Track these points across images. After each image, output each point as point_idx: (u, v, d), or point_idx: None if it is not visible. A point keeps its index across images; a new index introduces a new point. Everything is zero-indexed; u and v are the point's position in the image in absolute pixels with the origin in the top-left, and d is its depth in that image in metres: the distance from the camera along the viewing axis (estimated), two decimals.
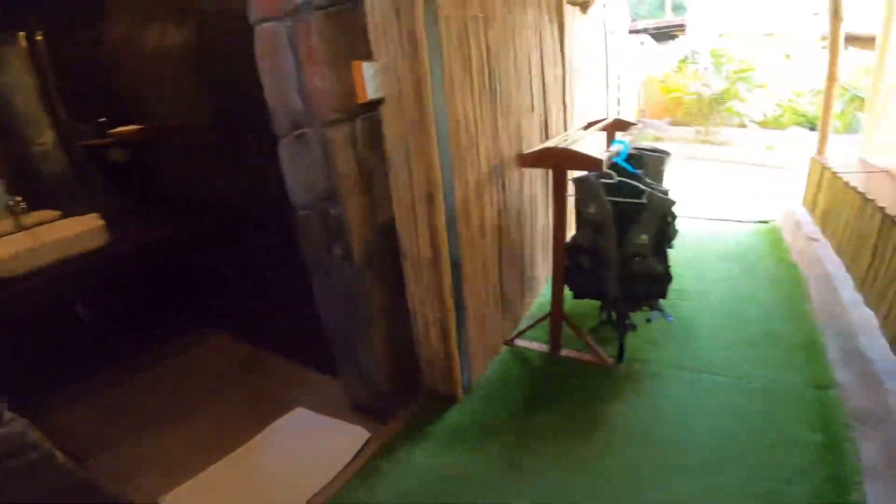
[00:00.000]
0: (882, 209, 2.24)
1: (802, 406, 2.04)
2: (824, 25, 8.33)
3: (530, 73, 2.54)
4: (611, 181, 2.23)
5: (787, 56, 7.85)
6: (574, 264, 2.34)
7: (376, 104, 1.76)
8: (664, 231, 2.28)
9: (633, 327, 2.64)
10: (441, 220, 1.81)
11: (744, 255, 3.56)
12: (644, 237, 2.22)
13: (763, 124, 7.39)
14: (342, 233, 1.75)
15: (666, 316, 2.72)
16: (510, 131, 2.33)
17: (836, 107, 7.10)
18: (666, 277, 2.33)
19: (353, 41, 1.65)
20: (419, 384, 2.28)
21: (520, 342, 2.63)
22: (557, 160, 2.09)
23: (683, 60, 7.17)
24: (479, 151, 2.03)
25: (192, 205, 2.71)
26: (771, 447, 1.85)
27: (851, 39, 5.90)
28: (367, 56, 1.71)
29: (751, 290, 3.04)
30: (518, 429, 2.08)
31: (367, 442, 2.00)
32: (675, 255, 3.64)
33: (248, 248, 2.53)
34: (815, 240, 3.12)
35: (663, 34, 8.94)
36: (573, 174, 2.37)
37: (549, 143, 2.25)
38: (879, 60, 3.14)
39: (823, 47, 8.08)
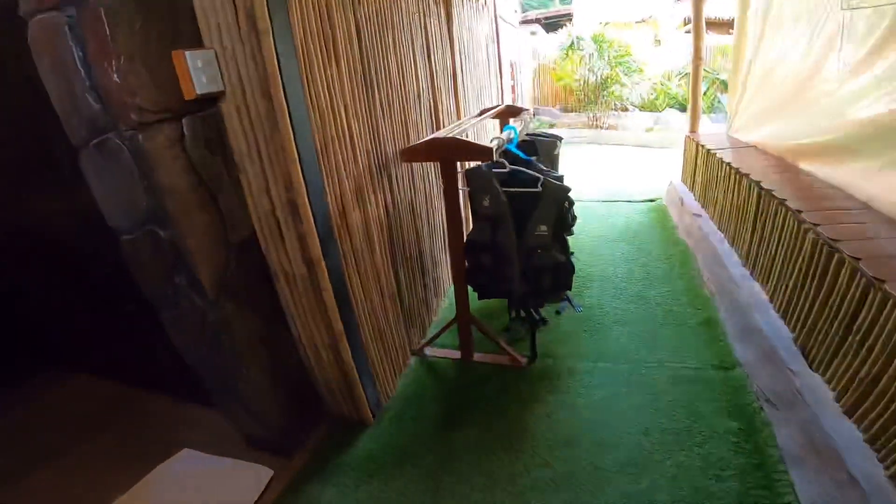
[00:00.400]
0: (758, 183, 2.28)
1: (713, 389, 2.01)
2: (686, 10, 9.08)
3: (414, 58, 2.26)
4: (503, 170, 2.03)
5: (658, 41, 8.40)
6: (474, 263, 2.12)
7: (214, 99, 1.38)
8: (562, 219, 2.14)
9: (544, 322, 2.51)
10: (311, 230, 1.48)
11: (637, 235, 3.62)
12: (543, 228, 2.05)
13: (642, 107, 7.86)
14: (181, 259, 1.35)
15: (575, 306, 2.62)
16: (394, 123, 2.03)
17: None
18: (569, 267, 2.20)
19: (171, 25, 1.26)
20: (322, 411, 1.95)
21: (430, 351, 2.38)
22: (444, 152, 1.84)
23: (570, 47, 7.35)
24: (355, 147, 1.71)
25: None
26: (691, 439, 1.78)
27: (709, 24, 6.38)
28: (197, 42, 1.32)
29: (648, 270, 3.07)
30: (436, 448, 1.85)
31: (271, 481, 1.70)
32: (575, 240, 3.66)
33: (87, 278, 1.99)
34: (699, 215, 3.22)
35: (553, 24, 9.15)
36: (466, 166, 2.14)
37: (439, 134, 2.00)
38: (737, 43, 3.30)
39: (687, 31, 8.80)
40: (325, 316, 1.63)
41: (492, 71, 4.12)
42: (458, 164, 2.00)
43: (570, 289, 2.28)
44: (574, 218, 3.00)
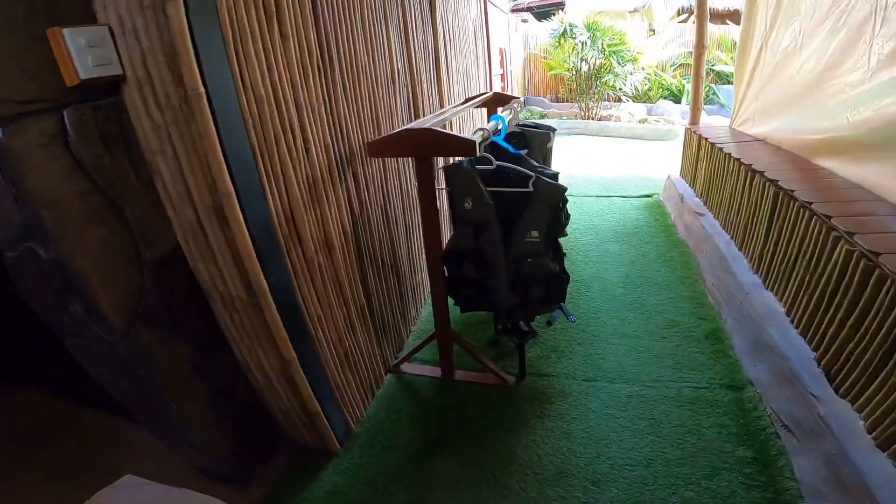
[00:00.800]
0: (775, 182, 1.99)
1: (722, 412, 1.76)
2: (680, 1, 8.72)
3: (388, 38, 1.92)
4: (488, 167, 1.72)
5: (652, 31, 8.05)
6: (455, 273, 1.82)
7: (113, 85, 1.05)
8: (556, 222, 1.84)
9: (535, 335, 2.21)
10: (245, 244, 1.16)
11: (634, 234, 3.33)
12: (535, 233, 1.75)
13: (635, 98, 7.53)
14: (72, 283, 1.04)
15: (568, 316, 2.32)
16: (361, 111, 1.71)
17: None
18: (563, 277, 1.91)
19: None
20: (283, 438, 1.66)
21: (408, 368, 2.08)
22: (418, 146, 1.52)
23: (563, 35, 6.97)
24: (309, 140, 1.39)
25: None
26: (698, 471, 1.53)
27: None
28: (87, 17, 0.99)
29: (646, 273, 2.79)
30: (411, 482, 1.58)
31: None
32: (570, 239, 3.35)
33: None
34: (701, 214, 2.94)
35: (545, 13, 8.74)
36: (446, 161, 1.83)
37: (415, 124, 1.68)
38: (746, 30, 2.98)
39: (681, 22, 8.45)
40: (272, 342, 1.33)
41: (480, 58, 3.78)
42: (439, 159, 1.69)
43: (563, 301, 1.99)
44: (567, 217, 2.70)
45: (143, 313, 1.17)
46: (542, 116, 7.50)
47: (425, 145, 1.52)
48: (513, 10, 8.02)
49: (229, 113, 1.09)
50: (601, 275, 2.80)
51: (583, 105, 7.36)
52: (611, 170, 5.08)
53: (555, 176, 1.82)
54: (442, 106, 2.59)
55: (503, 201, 1.73)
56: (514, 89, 6.79)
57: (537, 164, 1.89)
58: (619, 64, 6.77)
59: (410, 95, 2.18)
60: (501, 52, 4.83)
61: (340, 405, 1.65)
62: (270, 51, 1.23)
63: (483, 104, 2.55)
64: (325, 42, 1.47)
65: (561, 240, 2.13)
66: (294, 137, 1.32)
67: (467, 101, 2.47)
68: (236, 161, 1.11)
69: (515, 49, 6.54)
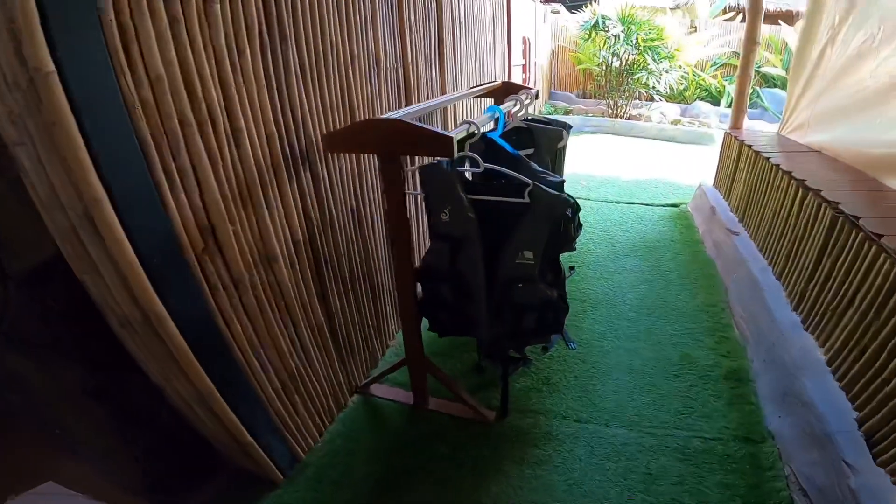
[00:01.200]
0: (834, 204, 1.58)
1: (731, 469, 1.45)
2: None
3: (372, 10, 1.60)
4: (475, 170, 1.39)
5: (693, 28, 7.41)
6: (430, 294, 1.51)
7: None
8: (557, 240, 1.50)
9: (526, 363, 1.88)
10: (127, 259, 0.88)
11: (654, 248, 2.93)
12: (528, 254, 1.42)
13: (669, 98, 6.96)
14: None
15: (568, 342, 1.97)
16: (327, 97, 1.40)
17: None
18: (561, 306, 1.57)
19: None
20: (222, 461, 1.41)
21: (377, 390, 1.79)
22: (384, 141, 1.20)
23: (594, 27, 6.44)
24: (241, 130, 1.09)
25: None
26: None
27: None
28: None
29: (664, 296, 2.40)
30: None
31: None
32: (581, 250, 2.87)
33: None
34: (735, 232, 2.52)
35: (577, 5, 8.17)
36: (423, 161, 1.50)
37: (396, 114, 1.36)
38: (808, 27, 2.51)
39: (726, 20, 7.76)
40: (180, 368, 1.05)
41: (499, 45, 3.41)
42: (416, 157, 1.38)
43: (560, 332, 1.65)
44: (579, 227, 2.34)
45: (8, 333, 0.91)
46: (567, 112, 7.02)
47: (392, 141, 1.20)
48: (543, 1, 7.53)
49: (98, 97, 0.80)
50: (612, 294, 2.43)
51: (611, 102, 6.84)
52: (635, 173, 4.62)
53: (559, 185, 1.47)
54: (444, 92, 2.26)
55: (491, 213, 1.40)
56: (538, 82, 6.33)
57: (539, 170, 1.54)
58: (654, 61, 6.22)
59: (402, 80, 1.85)
60: (525, 41, 4.41)
61: (283, 433, 1.38)
62: (181, 18, 0.93)
63: (489, 94, 2.20)
64: (275, 10, 1.16)
65: (570, 252, 1.80)
66: (216, 127, 1.02)
67: (476, 89, 2.12)
68: (111, 158, 0.83)
69: (542, 40, 6.06)
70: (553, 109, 7.09)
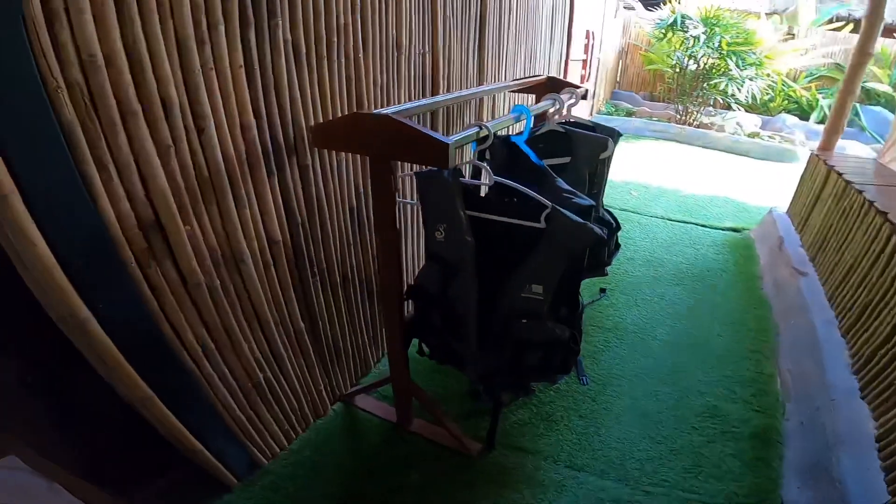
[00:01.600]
0: None
1: None
2: (833, 7, 6.93)
3: None
4: (484, 183, 1.16)
5: (790, 35, 6.49)
6: (421, 315, 1.31)
7: None
8: (576, 273, 1.24)
9: (528, 393, 1.65)
10: (41, 255, 0.76)
11: (702, 278, 2.54)
12: (538, 289, 1.18)
13: (750, 108, 6.17)
14: None
15: (580, 376, 1.72)
16: (332, 82, 1.21)
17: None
18: (572, 347, 1.32)
19: None
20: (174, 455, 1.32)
21: (361, 402, 1.64)
22: (373, 140, 1.00)
23: (671, 26, 5.77)
24: (205, 117, 0.93)
25: None
26: None
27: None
28: None
29: (702, 334, 2.06)
30: None
31: None
32: (619, 272, 2.52)
33: None
34: (803, 273, 2.10)
35: (655, 2, 7.40)
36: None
37: (390, 109, 1.15)
38: None
39: (833, 29, 6.72)
40: (120, 375, 0.93)
41: (556, 37, 3.06)
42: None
43: (567, 373, 1.40)
44: (616, 248, 2.04)
45: None
46: (630, 114, 6.44)
47: (381, 141, 0.99)
48: None
49: (9, 78, 0.66)
50: (643, 327, 2.12)
51: (681, 108, 6.18)
52: (697, 188, 4.12)
53: (586, 210, 1.21)
54: (482, 82, 2.00)
55: (499, 235, 1.17)
56: (600, 80, 5.80)
57: (565, 188, 1.27)
58: (737, 66, 5.49)
59: (428, 68, 1.63)
60: (589, 35, 3.98)
61: (242, 439, 1.25)
62: None
63: (529, 89, 1.92)
64: None
65: (600, 276, 1.53)
66: (170, 114, 0.87)
67: (506, 84, 1.86)
68: (23, 147, 0.69)
69: (611, 36, 5.51)
70: (614, 110, 6.53)
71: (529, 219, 1.15)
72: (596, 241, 1.16)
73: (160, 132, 0.86)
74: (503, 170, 1.35)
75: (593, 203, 1.25)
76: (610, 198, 3.63)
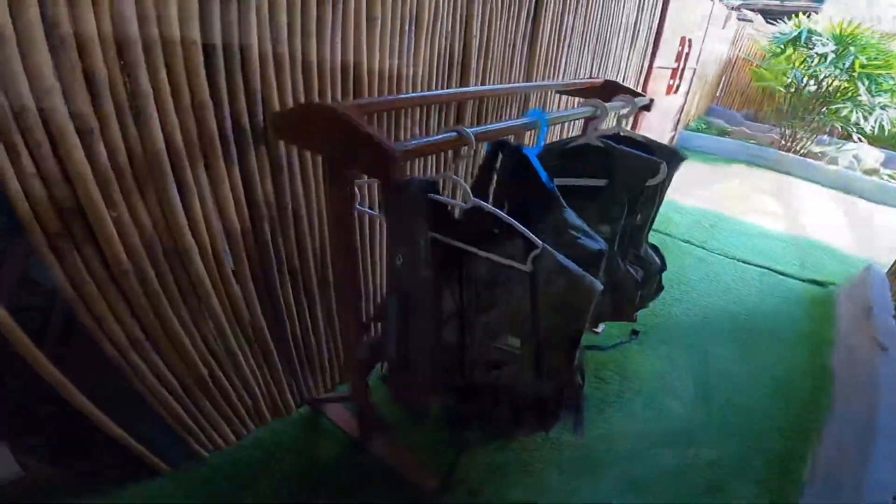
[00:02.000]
0: None
1: None
2: None
3: None
4: (461, 204, 0.93)
5: None
6: (381, 340, 1.12)
7: None
8: (567, 331, 0.98)
9: (506, 436, 1.43)
10: None
11: (759, 335, 2.09)
12: (514, 341, 0.95)
13: (874, 140, 5.10)
14: None
15: (576, 427, 1.45)
16: (317, 63, 1.03)
17: None
18: (553, 409, 1.08)
19: None
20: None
21: (329, 410, 1.50)
22: (328, 136, 0.81)
23: (793, 41, 4.84)
24: (148, 96, 0.80)
25: None
26: None
27: None
28: None
29: (742, 401, 1.69)
30: None
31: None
32: (661, 313, 2.12)
33: None
34: (885, 348, 1.61)
35: (785, 12, 6.30)
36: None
37: (379, 99, 0.94)
38: None
39: None
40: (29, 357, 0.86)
41: (639, 41, 2.64)
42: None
43: (548, 432, 1.16)
44: (655, 291, 1.70)
45: None
46: (724, 133, 5.61)
47: (332, 140, 0.80)
48: (741, 7, 5.96)
49: None
50: (667, 382, 1.76)
51: (788, 132, 5.26)
52: (785, 227, 3.46)
53: (594, 258, 0.93)
54: (530, 79, 1.71)
55: (473, 270, 0.94)
56: (695, 93, 5.06)
57: (575, 223, 1.00)
58: (868, 92, 4.50)
59: (458, 54, 1.39)
60: (684, 42, 3.42)
61: (179, 430, 1.16)
62: None
63: (581, 91, 1.61)
64: None
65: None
66: (97, 89, 0.74)
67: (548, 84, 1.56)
68: None
69: (714, 46, 4.74)
70: (705, 127, 5.73)
71: (512, 256, 0.91)
72: (593, 298, 0.89)
73: (83, 106, 0.74)
74: (507, 188, 1.11)
75: (604, 248, 0.96)
76: (672, 224, 3.15)
